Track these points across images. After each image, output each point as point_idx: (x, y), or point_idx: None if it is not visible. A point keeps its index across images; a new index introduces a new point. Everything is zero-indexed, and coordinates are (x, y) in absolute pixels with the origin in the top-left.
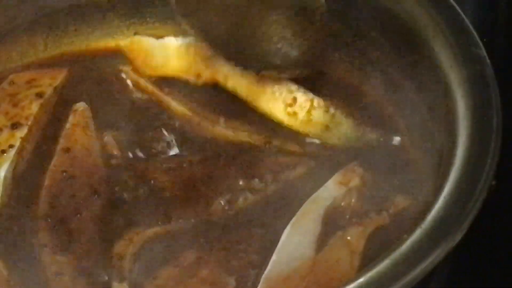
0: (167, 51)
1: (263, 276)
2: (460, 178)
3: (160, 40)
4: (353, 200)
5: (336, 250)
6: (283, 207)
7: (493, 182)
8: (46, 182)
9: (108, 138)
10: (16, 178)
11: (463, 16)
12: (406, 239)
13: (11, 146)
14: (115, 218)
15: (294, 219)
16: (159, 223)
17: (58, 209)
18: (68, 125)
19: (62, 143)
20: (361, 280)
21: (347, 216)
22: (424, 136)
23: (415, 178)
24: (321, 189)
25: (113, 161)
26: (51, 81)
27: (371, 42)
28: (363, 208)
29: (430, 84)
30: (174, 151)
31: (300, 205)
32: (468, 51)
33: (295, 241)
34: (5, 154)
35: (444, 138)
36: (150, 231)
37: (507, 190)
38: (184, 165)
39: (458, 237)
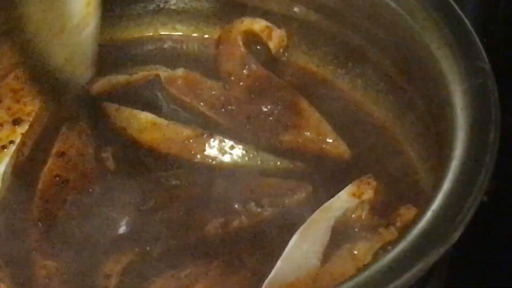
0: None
1: (266, 281)
2: (456, 183)
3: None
4: (364, 213)
5: (342, 263)
6: (281, 228)
7: (484, 198)
8: (39, 186)
9: (106, 154)
10: (15, 175)
11: (470, 28)
12: (403, 239)
13: (11, 142)
14: (104, 234)
15: (303, 226)
16: (153, 242)
17: (49, 214)
18: (63, 129)
19: (57, 146)
20: (357, 279)
21: (356, 229)
22: (424, 146)
23: (418, 188)
24: (334, 198)
25: (109, 177)
26: None
27: (374, 52)
28: (373, 222)
29: (431, 95)
30: (171, 171)
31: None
32: (473, 64)
33: (302, 249)
34: (5, 150)
35: (441, 148)
36: (136, 251)
37: (507, 190)
38: (179, 185)
39: (454, 237)
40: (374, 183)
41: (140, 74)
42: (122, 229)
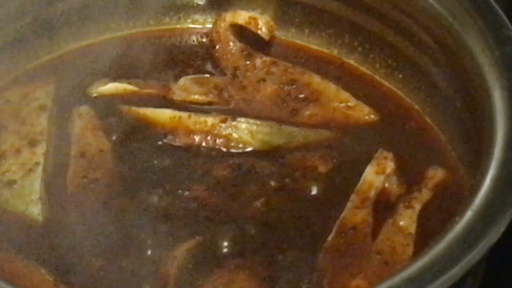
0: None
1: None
2: (504, 158)
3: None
4: (394, 184)
5: (391, 237)
6: (320, 199)
7: None
8: (69, 190)
9: (125, 149)
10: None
11: None
12: (458, 222)
13: (36, 164)
14: (149, 231)
15: (342, 215)
16: (198, 232)
17: (88, 216)
18: (77, 130)
19: (75, 148)
20: (417, 264)
21: (393, 201)
22: (453, 116)
23: (441, 150)
24: (360, 183)
25: (137, 172)
26: (45, 91)
27: (399, 31)
28: (404, 190)
29: (462, 70)
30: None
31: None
32: (498, 33)
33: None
34: (32, 173)
35: (481, 118)
36: (190, 243)
37: None
38: (212, 171)
39: (509, 217)
40: (390, 155)
41: (146, 90)
42: (166, 220)
